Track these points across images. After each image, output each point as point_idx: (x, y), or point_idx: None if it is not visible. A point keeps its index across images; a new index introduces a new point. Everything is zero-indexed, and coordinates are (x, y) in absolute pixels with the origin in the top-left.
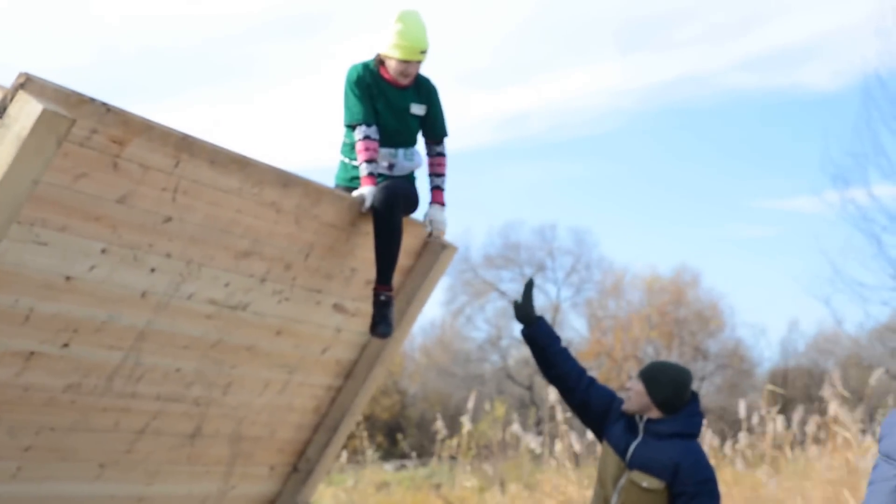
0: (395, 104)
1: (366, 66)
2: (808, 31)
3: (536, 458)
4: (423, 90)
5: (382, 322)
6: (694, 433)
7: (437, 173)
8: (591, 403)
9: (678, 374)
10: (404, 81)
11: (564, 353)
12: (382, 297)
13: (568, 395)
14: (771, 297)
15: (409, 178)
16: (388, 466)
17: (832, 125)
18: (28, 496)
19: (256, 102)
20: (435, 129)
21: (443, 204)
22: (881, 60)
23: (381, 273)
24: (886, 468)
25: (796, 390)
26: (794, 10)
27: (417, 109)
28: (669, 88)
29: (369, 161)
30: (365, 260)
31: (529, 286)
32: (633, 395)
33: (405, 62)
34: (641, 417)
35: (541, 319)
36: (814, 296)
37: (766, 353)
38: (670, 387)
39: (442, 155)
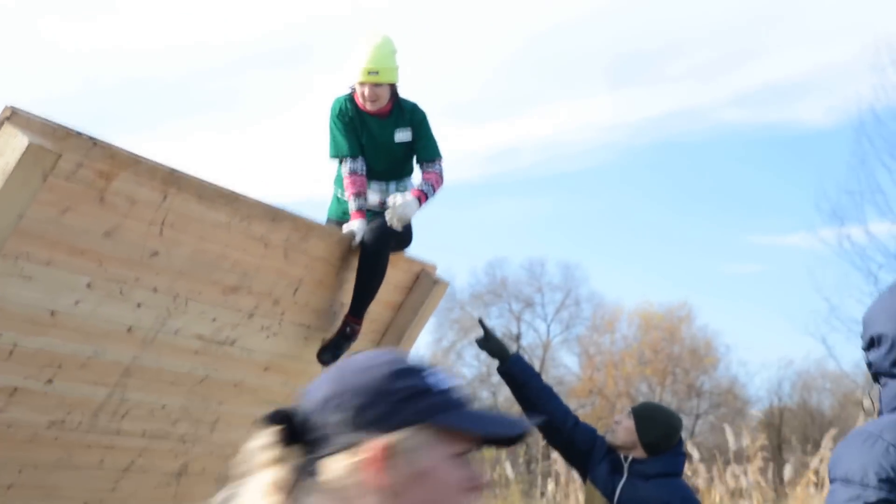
0: (378, 136)
1: (347, 98)
2: (802, 66)
3: (527, 497)
4: (407, 115)
5: (331, 350)
6: (678, 472)
7: (424, 180)
8: (575, 443)
9: (670, 418)
10: (371, 107)
11: (546, 391)
12: (348, 330)
13: (551, 435)
14: (765, 335)
15: None
16: None
17: (827, 161)
18: None
19: (240, 134)
20: (426, 152)
21: (417, 198)
22: (876, 96)
23: (356, 305)
24: (843, 491)
25: (791, 429)
26: (787, 45)
27: (402, 136)
28: (660, 123)
29: (357, 195)
30: None
31: (483, 323)
32: (621, 431)
33: (361, 84)
34: (626, 458)
35: (515, 355)
36: (809, 334)
37: (762, 391)
38: (661, 430)
39: (434, 171)
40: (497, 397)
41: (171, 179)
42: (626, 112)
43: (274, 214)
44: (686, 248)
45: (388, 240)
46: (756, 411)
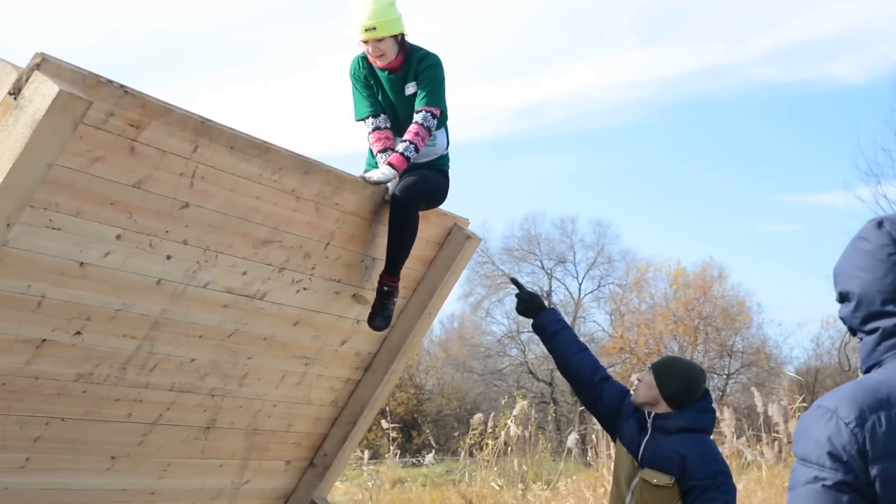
0: (391, 92)
1: (361, 57)
2: (837, 22)
3: (556, 455)
4: (415, 67)
5: (381, 314)
6: (704, 428)
7: (403, 140)
8: (603, 398)
9: (691, 370)
10: (379, 63)
11: (576, 344)
12: (386, 288)
13: (580, 390)
14: (799, 295)
15: (435, 166)
16: (404, 462)
17: (862, 119)
18: (37, 488)
19: (270, 87)
20: (417, 100)
21: (392, 166)
22: None
23: (390, 264)
24: (803, 471)
25: (825, 389)
26: (820, 1)
27: (412, 89)
28: (692, 80)
29: (383, 150)
30: (386, 250)
31: (516, 282)
32: (642, 387)
33: (364, 42)
34: (650, 414)
35: (549, 308)
36: None
37: (795, 351)
38: (681, 382)
39: (415, 124)
40: (526, 354)
41: (202, 130)
42: (656, 68)
43: (306, 167)
44: (719, 206)
45: (418, 198)
46: (790, 371)
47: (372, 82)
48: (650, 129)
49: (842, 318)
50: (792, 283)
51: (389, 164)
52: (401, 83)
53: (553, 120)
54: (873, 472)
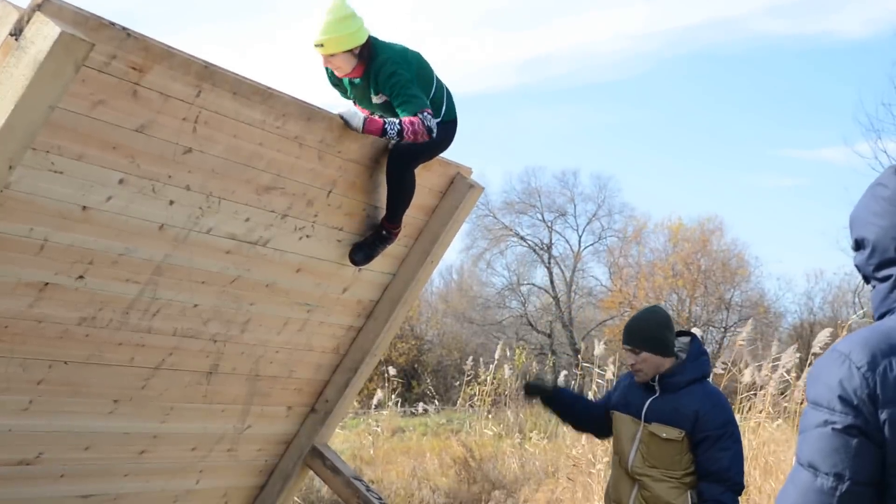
0: (361, 98)
1: None
2: None
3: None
4: (374, 79)
5: (364, 250)
6: (706, 374)
7: (398, 119)
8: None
9: (658, 316)
10: (338, 73)
11: (587, 409)
12: (384, 232)
13: (601, 437)
14: (797, 249)
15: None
16: (403, 412)
17: (864, 73)
18: (40, 431)
19: (277, 40)
20: (402, 112)
21: (365, 120)
22: None
23: (390, 211)
24: (813, 415)
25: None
26: None
27: (377, 99)
28: (696, 33)
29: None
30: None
31: (529, 388)
32: (647, 367)
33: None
34: (654, 378)
35: (558, 388)
36: (841, 249)
37: (793, 305)
38: (665, 333)
39: (418, 117)
40: (526, 307)
41: (206, 74)
42: (660, 21)
43: (309, 114)
44: (718, 160)
45: (414, 156)
46: (786, 326)
47: (341, 83)
48: (653, 82)
49: (856, 266)
50: (791, 238)
51: (366, 117)
52: (365, 91)
53: (556, 74)
54: (883, 416)
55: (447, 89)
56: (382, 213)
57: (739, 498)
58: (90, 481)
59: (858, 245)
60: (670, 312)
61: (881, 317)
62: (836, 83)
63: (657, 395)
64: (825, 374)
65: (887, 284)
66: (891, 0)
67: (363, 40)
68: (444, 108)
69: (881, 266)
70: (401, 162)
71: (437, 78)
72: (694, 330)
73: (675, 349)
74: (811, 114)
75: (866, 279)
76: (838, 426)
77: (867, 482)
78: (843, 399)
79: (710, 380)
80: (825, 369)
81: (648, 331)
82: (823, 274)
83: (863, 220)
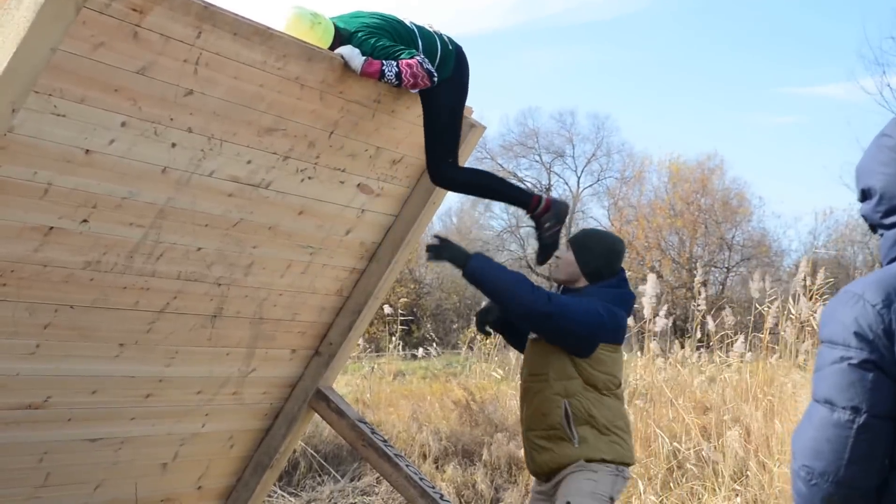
0: None
1: None
2: None
3: None
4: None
5: (540, 249)
6: (625, 308)
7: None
8: None
9: (610, 242)
10: None
11: (519, 280)
12: (535, 222)
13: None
14: (800, 186)
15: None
16: (404, 356)
17: (868, 6)
18: (47, 374)
19: None
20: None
21: (366, 60)
22: None
23: (516, 203)
24: (829, 352)
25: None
26: None
27: None
28: None
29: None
30: (390, 139)
31: (437, 238)
32: (562, 265)
33: None
34: (562, 289)
35: (476, 253)
36: (845, 185)
37: (794, 244)
38: (602, 256)
39: (416, 60)
40: (525, 249)
41: (206, 15)
42: None
43: (310, 54)
44: (717, 99)
45: (437, 159)
46: (788, 264)
47: None
48: (648, 20)
49: (864, 216)
50: (792, 175)
51: (364, 60)
52: None
53: (549, 13)
54: None
55: (438, 36)
56: (385, 153)
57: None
58: (97, 425)
59: (865, 195)
60: (671, 253)
61: (889, 263)
62: (835, 20)
63: None
64: (839, 313)
65: (895, 231)
66: None
67: (329, 42)
68: (435, 56)
69: (888, 213)
70: (444, 173)
71: (421, 33)
72: (698, 274)
73: (602, 284)
74: (810, 51)
75: (873, 228)
76: (854, 361)
77: (884, 415)
78: (859, 335)
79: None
80: (839, 309)
81: (590, 241)
82: (833, 212)
83: (869, 169)
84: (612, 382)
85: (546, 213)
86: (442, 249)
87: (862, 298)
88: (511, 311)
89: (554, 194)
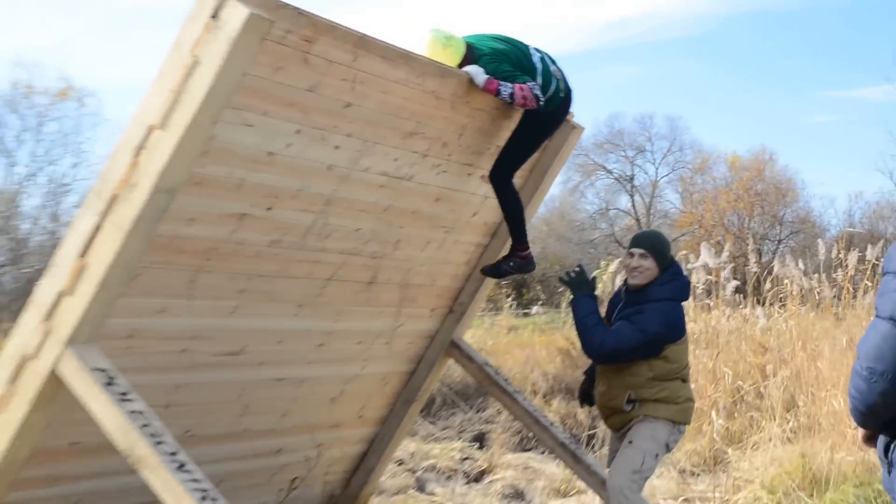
0: None
1: None
2: None
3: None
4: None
5: (494, 267)
6: (678, 297)
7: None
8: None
9: (665, 238)
10: None
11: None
12: (511, 264)
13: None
14: (838, 174)
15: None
16: (516, 314)
17: None
18: (243, 329)
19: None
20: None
21: (487, 79)
22: None
23: (512, 234)
24: (892, 281)
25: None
26: None
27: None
28: None
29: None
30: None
31: (579, 269)
32: (646, 272)
33: None
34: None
35: (589, 293)
36: (879, 170)
37: (833, 220)
38: (667, 253)
39: (529, 87)
40: (614, 227)
41: (361, 43)
42: None
43: (443, 72)
44: (770, 101)
45: (503, 171)
46: (828, 238)
47: None
48: (716, 38)
49: None
50: (830, 165)
51: (488, 77)
52: None
53: (632, 33)
54: None
55: (556, 79)
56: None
57: None
58: (282, 368)
59: None
60: (732, 229)
61: None
62: (872, 32)
63: (624, 302)
64: None
65: None
66: None
67: (460, 59)
68: (547, 89)
69: None
70: (498, 176)
71: (539, 60)
72: (750, 243)
73: (661, 280)
74: (848, 58)
75: None
76: None
77: None
78: None
79: (682, 304)
80: None
81: (659, 243)
82: (863, 194)
83: None
84: (674, 371)
85: (520, 260)
86: (573, 277)
87: None
88: (584, 350)
89: (636, 182)
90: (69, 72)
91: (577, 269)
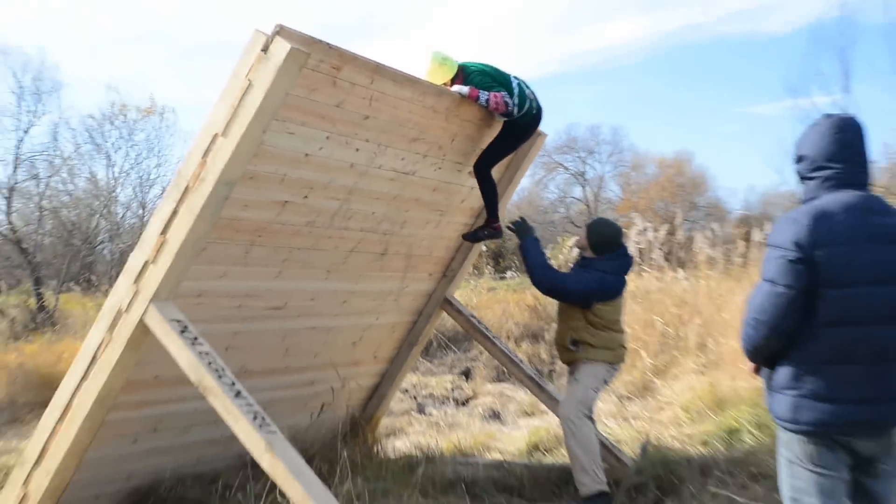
0: None
1: None
2: None
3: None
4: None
5: (472, 234)
6: (615, 271)
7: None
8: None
9: (609, 227)
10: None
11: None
12: (486, 232)
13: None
14: (740, 170)
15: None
16: (494, 277)
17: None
18: (285, 289)
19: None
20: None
21: (468, 94)
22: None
23: (487, 209)
24: (773, 252)
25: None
26: None
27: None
28: (675, 35)
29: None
30: None
31: (519, 220)
32: (580, 236)
33: None
34: (583, 256)
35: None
36: (771, 167)
37: (735, 206)
38: (601, 236)
39: (500, 94)
40: (570, 211)
41: (376, 70)
42: (652, 26)
43: (439, 91)
44: (692, 115)
45: (484, 163)
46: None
47: None
48: (651, 65)
49: (797, 172)
50: (736, 164)
51: (468, 89)
52: None
53: (589, 63)
54: (818, 253)
55: (530, 100)
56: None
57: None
58: (315, 319)
59: (799, 158)
60: (660, 212)
61: (809, 201)
62: (765, 63)
63: (574, 267)
64: (783, 228)
65: (815, 181)
66: (806, 5)
67: (453, 74)
68: (523, 106)
69: (813, 170)
70: (480, 168)
71: (517, 85)
72: (677, 219)
73: (608, 256)
74: (749, 83)
75: (802, 179)
76: (791, 258)
77: (803, 290)
78: (796, 243)
79: (624, 277)
80: (784, 225)
81: (595, 224)
82: (756, 186)
83: (804, 143)
84: (607, 323)
85: (492, 230)
86: (518, 225)
87: (797, 220)
88: (532, 282)
89: (587, 177)
90: (153, 93)
91: (519, 219)
